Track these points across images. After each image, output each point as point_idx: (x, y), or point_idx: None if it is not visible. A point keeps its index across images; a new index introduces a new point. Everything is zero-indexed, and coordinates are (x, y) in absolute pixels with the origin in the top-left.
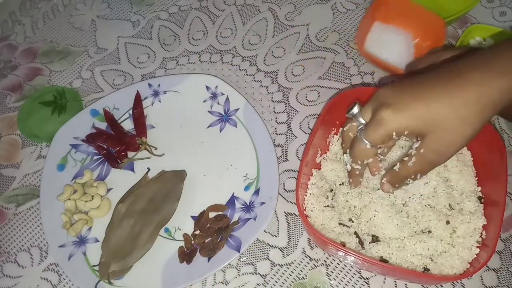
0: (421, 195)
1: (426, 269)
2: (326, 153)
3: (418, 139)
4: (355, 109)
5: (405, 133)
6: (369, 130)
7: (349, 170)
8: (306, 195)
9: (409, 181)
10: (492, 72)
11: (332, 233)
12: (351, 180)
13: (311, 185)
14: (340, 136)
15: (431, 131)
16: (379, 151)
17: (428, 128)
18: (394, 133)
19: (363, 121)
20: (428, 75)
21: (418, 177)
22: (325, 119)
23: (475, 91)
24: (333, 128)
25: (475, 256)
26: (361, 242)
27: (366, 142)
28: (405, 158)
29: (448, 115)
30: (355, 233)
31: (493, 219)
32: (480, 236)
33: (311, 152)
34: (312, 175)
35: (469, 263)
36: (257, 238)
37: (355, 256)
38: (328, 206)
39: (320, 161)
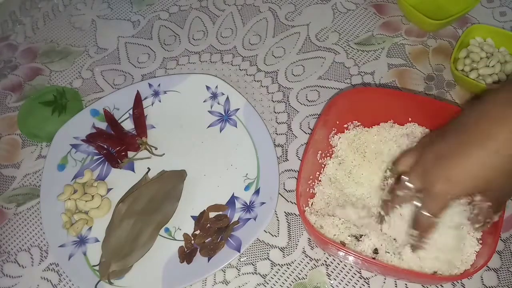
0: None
1: None
2: (326, 153)
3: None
4: (403, 180)
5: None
6: (430, 205)
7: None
8: None
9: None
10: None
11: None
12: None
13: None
14: (340, 140)
15: (484, 191)
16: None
17: (481, 190)
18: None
19: (411, 186)
20: (460, 137)
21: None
22: (325, 119)
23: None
24: (333, 128)
25: (475, 256)
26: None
27: (430, 215)
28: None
29: (495, 178)
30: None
31: None
32: (480, 236)
33: (311, 152)
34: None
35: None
36: (257, 238)
37: (355, 256)
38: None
39: (321, 161)
